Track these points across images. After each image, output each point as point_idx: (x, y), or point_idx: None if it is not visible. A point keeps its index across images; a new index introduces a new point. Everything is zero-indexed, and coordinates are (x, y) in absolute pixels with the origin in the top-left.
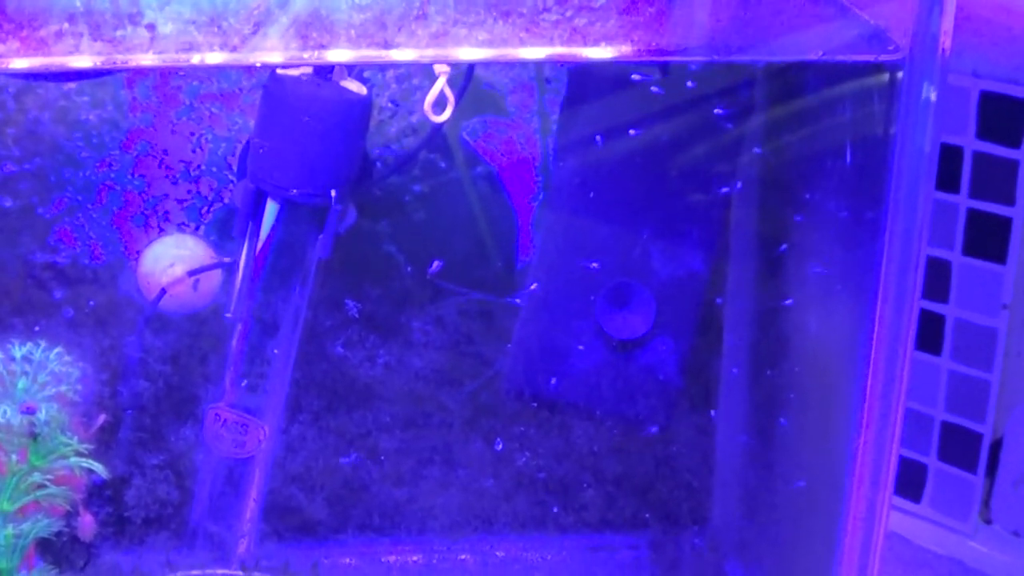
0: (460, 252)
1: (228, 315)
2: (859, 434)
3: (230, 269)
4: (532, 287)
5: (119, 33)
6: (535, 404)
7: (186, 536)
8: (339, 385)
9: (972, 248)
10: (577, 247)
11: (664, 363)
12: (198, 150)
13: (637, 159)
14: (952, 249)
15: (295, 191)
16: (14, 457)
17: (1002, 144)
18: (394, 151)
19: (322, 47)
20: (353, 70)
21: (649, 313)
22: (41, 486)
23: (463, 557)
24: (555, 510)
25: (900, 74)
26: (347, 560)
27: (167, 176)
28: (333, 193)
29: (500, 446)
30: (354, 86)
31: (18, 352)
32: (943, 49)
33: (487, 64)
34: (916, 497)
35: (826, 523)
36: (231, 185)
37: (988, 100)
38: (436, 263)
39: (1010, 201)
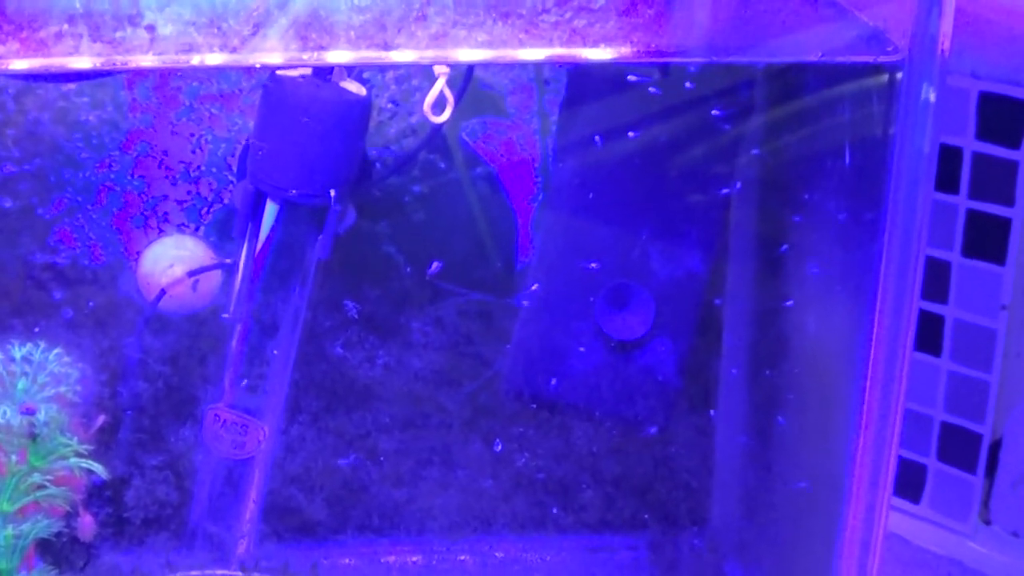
0: (459, 253)
1: (225, 316)
2: (858, 434)
3: (229, 270)
4: (533, 287)
5: (119, 34)
6: (534, 405)
7: (186, 537)
8: (338, 386)
9: (971, 249)
10: (576, 248)
11: (663, 364)
12: (198, 151)
13: (636, 160)
14: (951, 250)
15: (294, 192)
16: (14, 458)
17: (1001, 145)
18: (393, 152)
19: (321, 48)
20: (353, 71)
21: (648, 314)
22: (41, 487)
23: (462, 558)
24: (554, 511)
25: (899, 75)
26: (346, 561)
27: (167, 177)
28: (332, 193)
29: (499, 447)
30: (353, 87)
31: (18, 353)
32: (942, 50)
33: (486, 65)
34: (915, 498)
35: (825, 524)
36: (231, 186)
37: (987, 101)
38: (435, 264)
39: (1009, 202)
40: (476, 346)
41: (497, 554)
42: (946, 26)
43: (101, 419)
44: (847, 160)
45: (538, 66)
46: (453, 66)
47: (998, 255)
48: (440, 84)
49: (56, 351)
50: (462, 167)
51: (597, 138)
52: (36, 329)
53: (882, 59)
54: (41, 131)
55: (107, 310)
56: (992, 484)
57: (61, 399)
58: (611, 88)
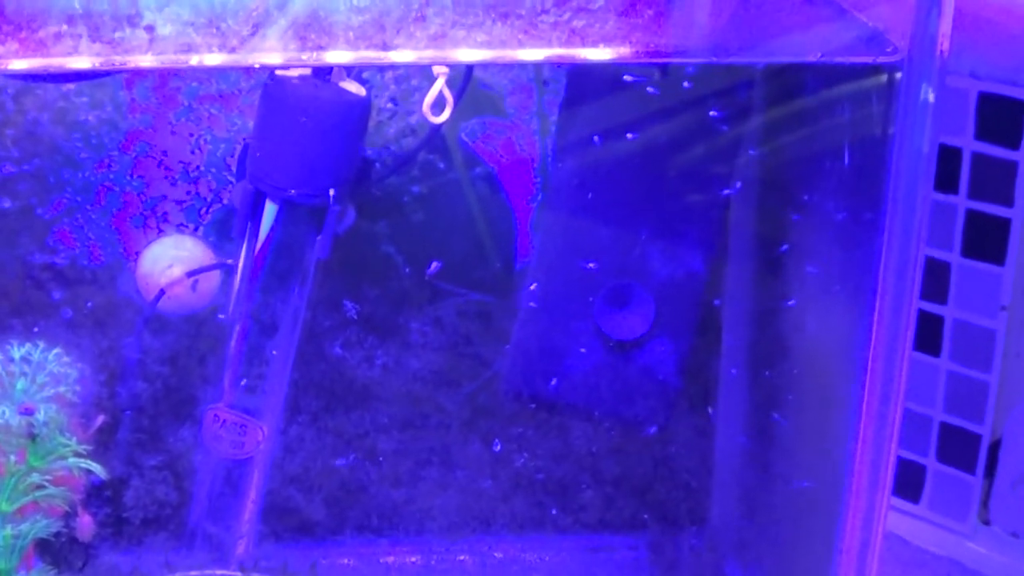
0: (459, 253)
1: (221, 316)
2: (858, 434)
3: (228, 270)
4: (532, 287)
5: (118, 34)
6: (533, 405)
7: (185, 537)
8: (337, 386)
9: (971, 249)
10: (576, 248)
11: (663, 364)
12: (197, 151)
13: (636, 160)
14: (951, 250)
15: (294, 192)
16: (13, 458)
17: (1001, 145)
18: (393, 152)
19: (320, 49)
20: (352, 71)
21: (648, 314)
22: (40, 487)
23: (461, 558)
24: (553, 511)
25: (898, 75)
26: (345, 561)
27: (166, 177)
28: (332, 193)
29: (498, 447)
30: (353, 87)
31: (17, 353)
32: (941, 51)
33: (486, 65)
34: (915, 498)
35: (825, 524)
36: (230, 186)
37: (987, 101)
38: (434, 264)
39: (1009, 202)
40: (475, 346)
41: (496, 554)
42: (945, 26)
43: (100, 419)
44: (846, 160)
45: (537, 66)
46: (452, 66)
47: (997, 255)
48: (439, 84)
49: (55, 351)
50: (461, 167)
51: (596, 138)
52: (35, 329)
53: (881, 59)
54: (40, 131)
55: (106, 310)
56: (991, 484)
57: (60, 399)
58: (610, 88)
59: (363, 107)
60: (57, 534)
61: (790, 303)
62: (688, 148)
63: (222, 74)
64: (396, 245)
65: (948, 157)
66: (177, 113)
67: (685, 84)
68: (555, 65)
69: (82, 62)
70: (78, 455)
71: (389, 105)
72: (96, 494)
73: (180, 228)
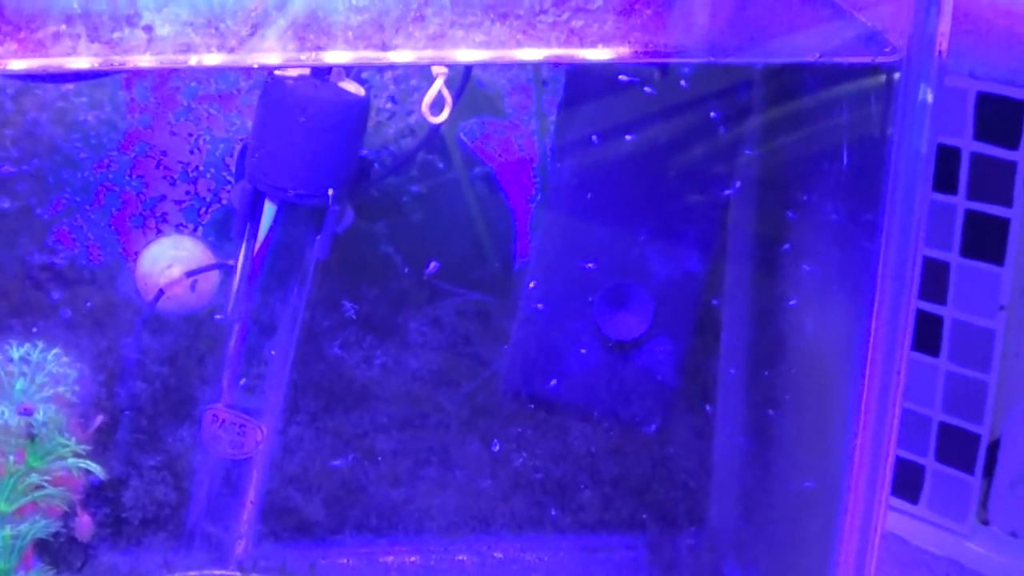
0: (458, 253)
1: (218, 317)
2: (856, 435)
3: (227, 270)
4: (531, 285)
5: (116, 35)
6: (532, 405)
7: (184, 537)
8: (336, 386)
9: (970, 249)
10: (575, 248)
11: (661, 364)
12: (196, 151)
13: (635, 160)
14: (950, 250)
15: (293, 192)
16: (12, 458)
17: (1000, 145)
18: (392, 152)
19: (319, 49)
20: (351, 71)
21: (647, 314)
22: (39, 487)
23: (460, 558)
24: (552, 511)
25: (897, 76)
26: (344, 561)
27: (165, 177)
28: (330, 193)
29: (497, 447)
30: (352, 87)
31: (16, 353)
32: (940, 51)
33: (485, 65)
34: (913, 498)
35: (823, 524)
36: (229, 186)
37: (985, 101)
38: (433, 264)
39: (1008, 202)
40: (474, 346)
41: (495, 554)
42: (944, 26)
43: (99, 419)
44: (845, 160)
45: (536, 66)
46: (451, 66)
47: (996, 255)
48: (438, 84)
49: (54, 351)
50: (460, 167)
51: (595, 138)
52: (34, 329)
53: (880, 59)
54: (39, 131)
55: (105, 310)
56: (990, 484)
57: (59, 399)
58: (609, 88)
59: (362, 107)
60: (56, 534)
61: (790, 303)
62: (687, 148)
63: (221, 74)
64: (395, 245)
65: (947, 157)
66: (176, 113)
67: (684, 84)
68: (554, 65)
69: (81, 62)
70: (77, 455)
71: (388, 105)
72: (95, 494)
73: (179, 228)
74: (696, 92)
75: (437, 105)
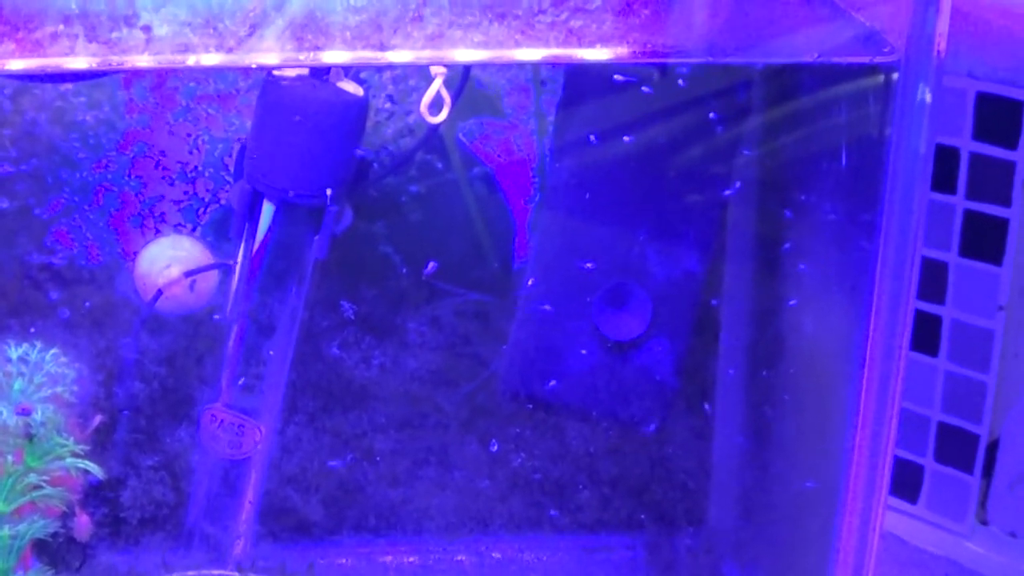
0: (457, 253)
1: (217, 317)
2: (855, 435)
3: (226, 270)
4: (529, 282)
5: (115, 35)
6: (531, 405)
7: (182, 537)
8: (335, 386)
9: (969, 249)
10: (573, 248)
11: (660, 364)
12: (195, 151)
13: (633, 160)
14: (949, 250)
15: (292, 192)
16: (10, 458)
17: (999, 145)
18: (391, 152)
19: (318, 49)
20: (349, 71)
21: (645, 314)
22: (37, 487)
23: (459, 558)
24: (551, 511)
25: (895, 76)
26: (343, 561)
27: (164, 177)
28: (329, 193)
29: (496, 447)
30: (350, 87)
31: (14, 353)
32: (938, 51)
33: (483, 65)
34: (912, 498)
35: (822, 524)
36: (228, 186)
37: (984, 101)
38: (431, 264)
39: (1007, 202)
40: (473, 346)
41: (494, 554)
42: (942, 26)
43: (97, 419)
44: (843, 161)
45: (535, 66)
46: (450, 66)
47: (995, 256)
48: (437, 84)
49: (53, 351)
50: (459, 167)
51: (594, 138)
52: (33, 329)
53: (878, 60)
54: (38, 131)
55: (104, 310)
56: (989, 484)
57: (57, 399)
58: (608, 89)
59: (361, 107)
60: (55, 534)
61: (789, 303)
62: (686, 148)
63: (219, 74)
64: (394, 245)
65: (946, 157)
66: (175, 113)
67: (683, 84)
68: (552, 65)
69: (79, 62)
70: (75, 455)
71: (387, 105)
72: (93, 494)
73: (178, 228)
74: (695, 92)
75: (436, 105)
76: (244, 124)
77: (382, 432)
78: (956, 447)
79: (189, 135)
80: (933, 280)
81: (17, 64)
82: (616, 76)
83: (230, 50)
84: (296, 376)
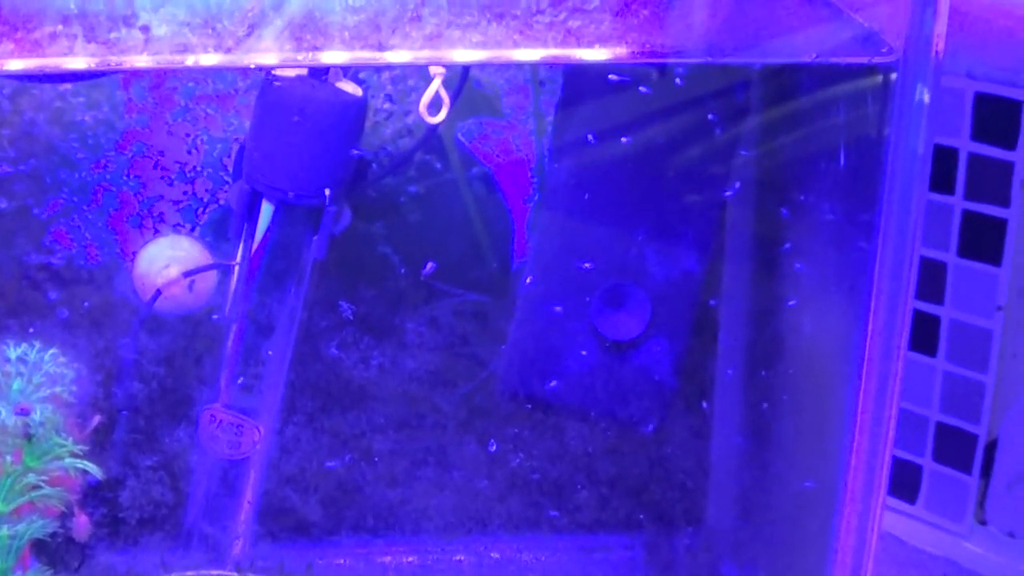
0: (455, 253)
1: (216, 317)
2: (853, 435)
3: (225, 270)
4: (527, 280)
5: (113, 35)
6: (529, 405)
7: (181, 537)
8: (333, 386)
9: (967, 249)
10: (572, 248)
11: (659, 364)
12: (194, 151)
13: (632, 161)
14: (947, 250)
15: (290, 192)
16: (9, 458)
17: (997, 146)
18: (389, 152)
19: (316, 49)
20: (348, 71)
21: (644, 314)
22: (36, 487)
23: (458, 558)
24: (549, 511)
25: (894, 76)
26: (341, 561)
27: (163, 177)
28: (327, 193)
29: (494, 447)
30: (349, 87)
31: (13, 353)
32: (937, 51)
33: (482, 66)
34: (911, 498)
35: (820, 524)
36: (226, 186)
37: (983, 101)
38: (430, 265)
39: (1005, 203)
40: (471, 347)
41: (493, 554)
42: (940, 27)
43: (96, 419)
44: (842, 161)
45: (533, 67)
46: (449, 67)
47: (994, 256)
48: (436, 84)
49: (51, 351)
50: (458, 168)
51: (593, 138)
52: (31, 329)
53: (877, 60)
54: (37, 131)
55: (103, 311)
56: (988, 485)
57: (56, 399)
58: (607, 89)
59: (359, 107)
60: (53, 534)
61: (788, 304)
62: (684, 149)
63: (218, 74)
64: (392, 245)
65: (945, 158)
66: (174, 113)
67: (681, 85)
68: (551, 65)
69: (78, 63)
70: (74, 455)
71: (386, 105)
72: (92, 494)
73: (176, 228)
74: (693, 92)
75: (435, 105)
76: (243, 124)
77: (381, 432)
78: (955, 447)
79: (188, 135)
80: (932, 280)
81: (16, 64)
82: (611, 76)
83: (229, 50)
84: (295, 376)
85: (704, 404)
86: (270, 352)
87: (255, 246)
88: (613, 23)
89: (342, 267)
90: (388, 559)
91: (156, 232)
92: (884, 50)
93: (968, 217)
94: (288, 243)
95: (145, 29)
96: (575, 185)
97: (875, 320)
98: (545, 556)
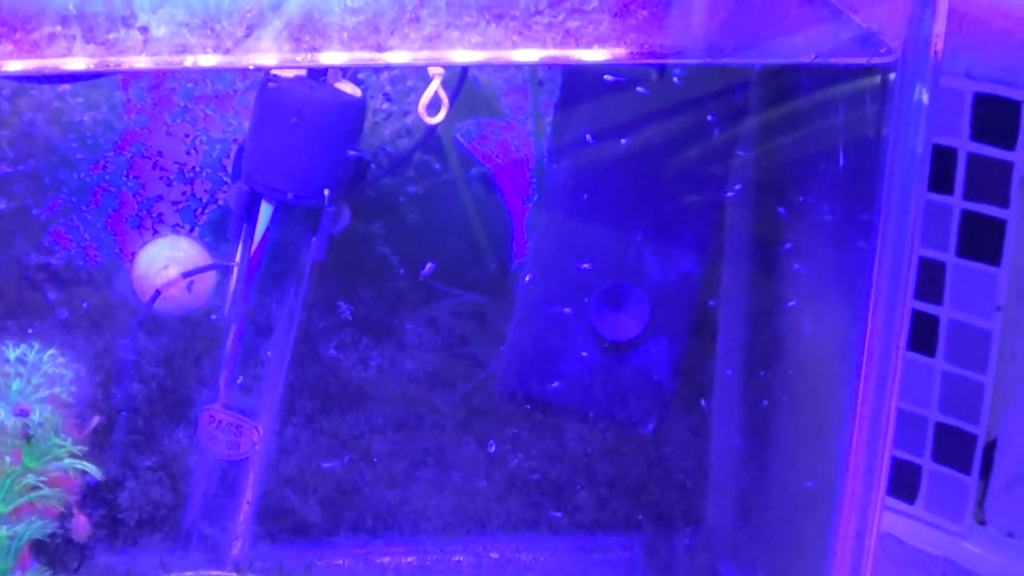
0: (454, 254)
1: (214, 318)
2: (852, 435)
3: (224, 271)
4: (526, 278)
5: (112, 36)
6: (528, 406)
7: (180, 538)
8: (332, 387)
9: (966, 250)
10: (571, 249)
11: (658, 365)
12: (192, 152)
13: (631, 161)
14: (946, 251)
15: (289, 193)
16: (8, 459)
17: (996, 146)
18: (388, 153)
19: (315, 50)
20: (347, 72)
21: (643, 315)
22: (35, 488)
23: (457, 558)
24: (548, 512)
25: (892, 76)
26: (341, 562)
27: (161, 178)
28: (326, 193)
29: (493, 448)
30: (348, 88)
31: (12, 354)
32: (935, 51)
33: (481, 66)
34: (910, 498)
35: (820, 524)
36: (225, 187)
37: (982, 101)
38: (429, 265)
39: (1004, 203)
40: (470, 347)
41: (492, 555)
42: (939, 27)
43: (95, 420)
44: (841, 161)
45: (532, 67)
46: (447, 67)
47: (993, 256)
48: (435, 85)
49: (50, 352)
50: (457, 168)
51: (591, 139)
52: (30, 330)
53: (875, 60)
54: (36, 132)
55: (102, 311)
56: (987, 485)
57: (55, 400)
58: (606, 89)
59: (358, 108)
60: (52, 535)
61: (787, 304)
62: (683, 149)
63: (217, 75)
64: (391, 246)
65: (944, 158)
66: (172, 114)
67: (680, 85)
68: (550, 66)
69: (77, 63)
70: (73, 456)
71: (385, 105)
72: (91, 495)
73: (175, 229)
74: (692, 93)
75: (434, 106)
76: (242, 125)
77: (380, 433)
78: (954, 447)
79: (187, 136)
80: (931, 280)
81: (15, 65)
82: (606, 76)
83: (227, 51)
84: (294, 377)
85: (703, 404)
86: (269, 353)
87: (254, 247)
88: (612, 24)
89: (341, 268)
90: (387, 560)
91: (155, 233)
92: (883, 50)
93: (967, 217)
94: (287, 244)
95: (144, 30)
96: (574, 185)
97: (874, 320)
98: (544, 556)
